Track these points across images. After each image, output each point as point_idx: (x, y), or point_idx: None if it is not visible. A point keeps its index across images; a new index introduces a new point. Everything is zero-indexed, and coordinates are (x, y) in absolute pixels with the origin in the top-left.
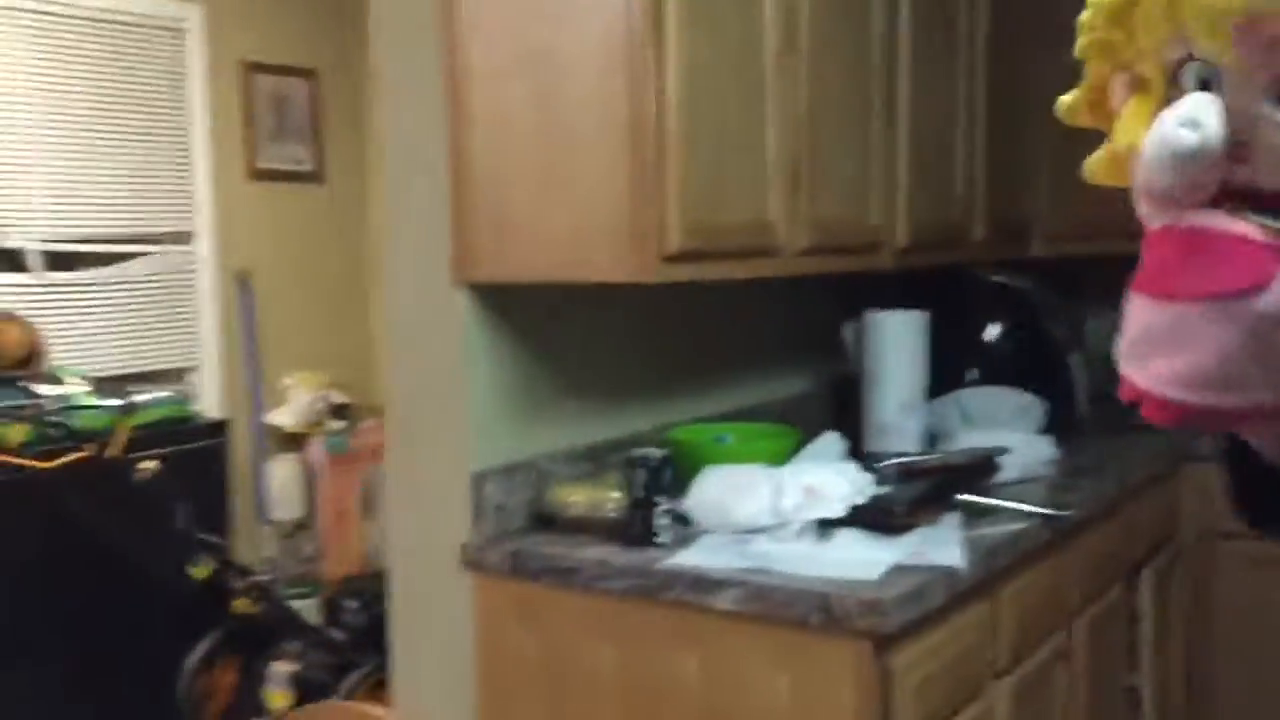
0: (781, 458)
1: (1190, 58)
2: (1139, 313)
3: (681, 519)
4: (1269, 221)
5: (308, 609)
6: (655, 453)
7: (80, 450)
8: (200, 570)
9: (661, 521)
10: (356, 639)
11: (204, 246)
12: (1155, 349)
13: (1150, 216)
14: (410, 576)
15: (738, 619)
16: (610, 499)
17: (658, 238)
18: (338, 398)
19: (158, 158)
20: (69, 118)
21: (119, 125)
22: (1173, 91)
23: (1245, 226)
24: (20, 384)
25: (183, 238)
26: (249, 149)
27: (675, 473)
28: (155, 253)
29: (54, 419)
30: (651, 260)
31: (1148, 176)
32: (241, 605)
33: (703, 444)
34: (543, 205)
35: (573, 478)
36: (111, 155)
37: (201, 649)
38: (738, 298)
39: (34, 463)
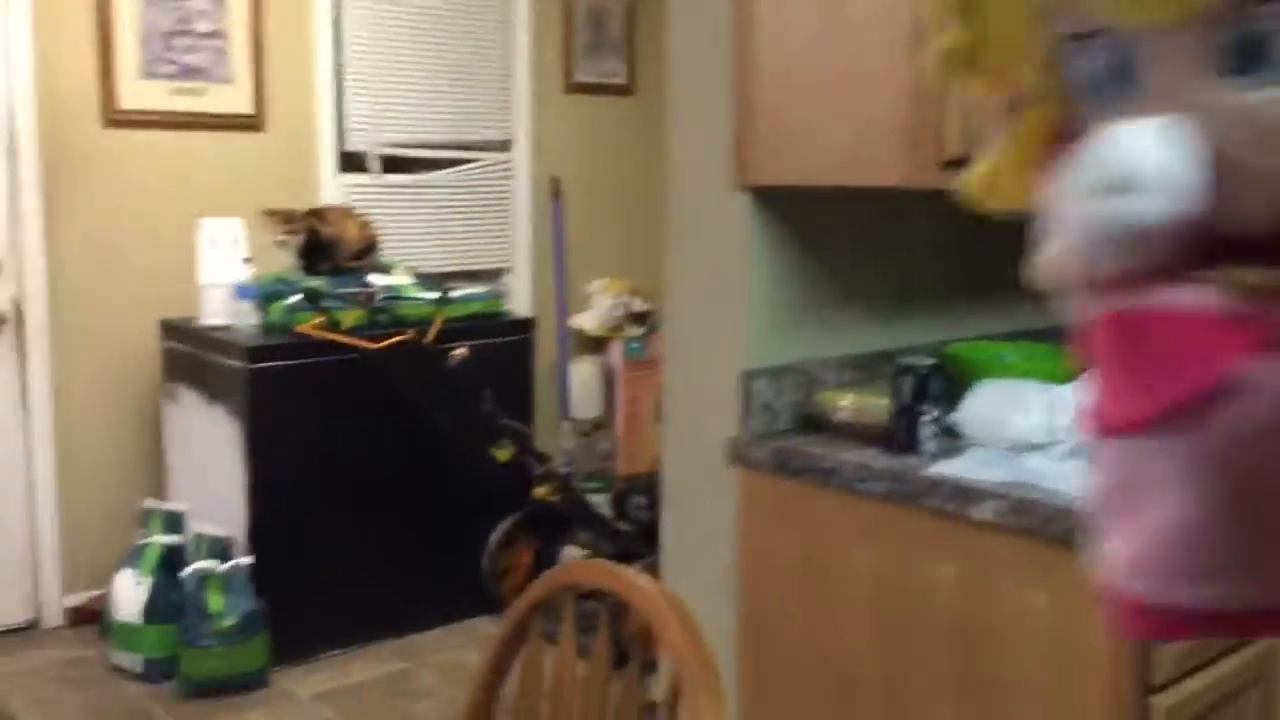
0: (1064, 379)
1: (1079, 36)
2: (1094, 455)
3: (950, 430)
4: (1242, 275)
5: (600, 502)
6: (924, 361)
7: (402, 334)
8: (502, 453)
9: (927, 430)
10: (640, 532)
11: (521, 155)
12: (1111, 515)
13: (1082, 299)
14: (682, 469)
15: (997, 531)
16: (877, 406)
17: (935, 142)
18: (638, 304)
19: (483, 71)
20: (405, 35)
21: (449, 41)
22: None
23: (1195, 295)
24: (356, 273)
25: (502, 145)
26: (566, 62)
27: (948, 385)
28: (477, 159)
29: (382, 306)
30: (928, 166)
31: (1076, 260)
32: (542, 492)
33: (981, 359)
34: (824, 109)
35: (842, 384)
36: (442, 69)
37: (503, 528)
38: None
39: (363, 343)
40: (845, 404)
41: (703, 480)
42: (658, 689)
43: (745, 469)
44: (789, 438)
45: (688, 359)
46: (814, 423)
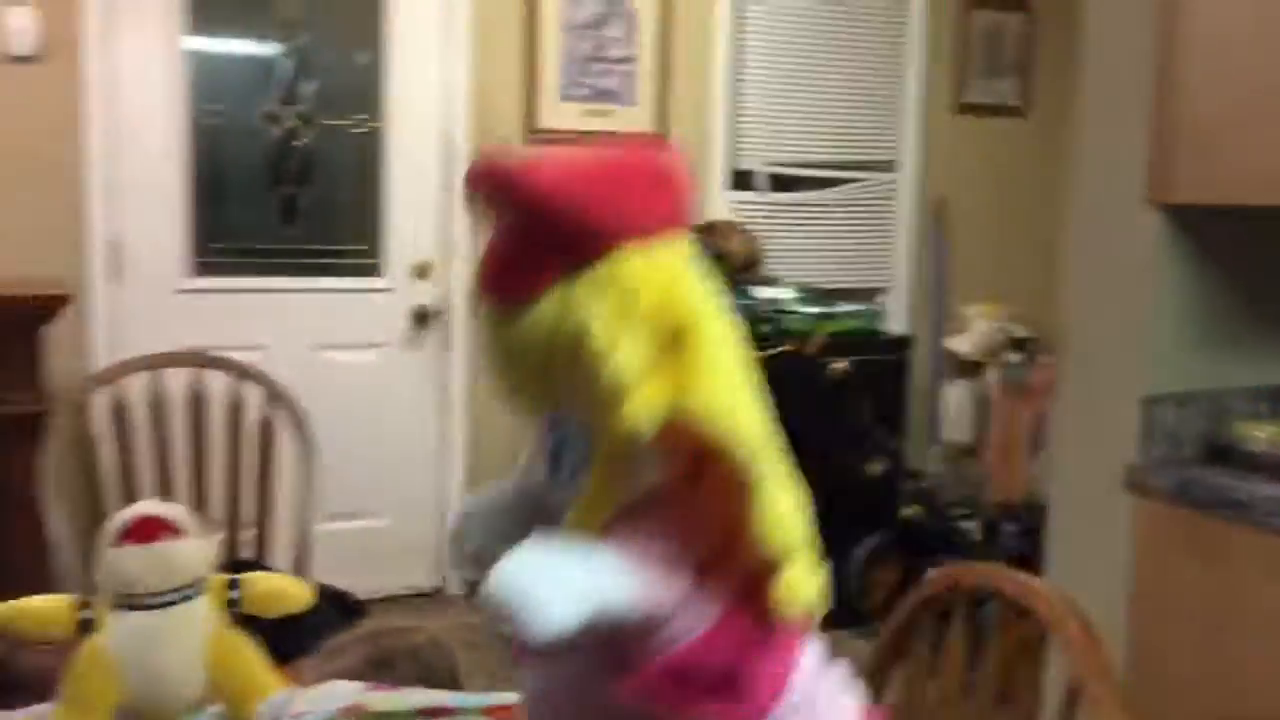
0: None
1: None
2: None
3: None
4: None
5: (967, 529)
6: None
7: (784, 346)
8: (875, 467)
9: None
10: (1011, 561)
11: (906, 175)
12: None
13: None
14: (1072, 495)
15: None
16: None
17: None
18: (1018, 331)
19: (873, 91)
20: (799, 56)
21: (841, 61)
22: None
23: None
24: (742, 286)
25: (887, 166)
26: (958, 83)
27: None
28: (861, 178)
29: (766, 318)
30: None
31: None
32: (909, 513)
33: None
34: (1257, 125)
35: (1255, 415)
36: (832, 89)
37: (870, 544)
38: None
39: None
40: (1263, 435)
41: (1095, 509)
42: (1052, 696)
43: (1144, 498)
44: (1194, 467)
45: (1085, 382)
46: (1221, 454)
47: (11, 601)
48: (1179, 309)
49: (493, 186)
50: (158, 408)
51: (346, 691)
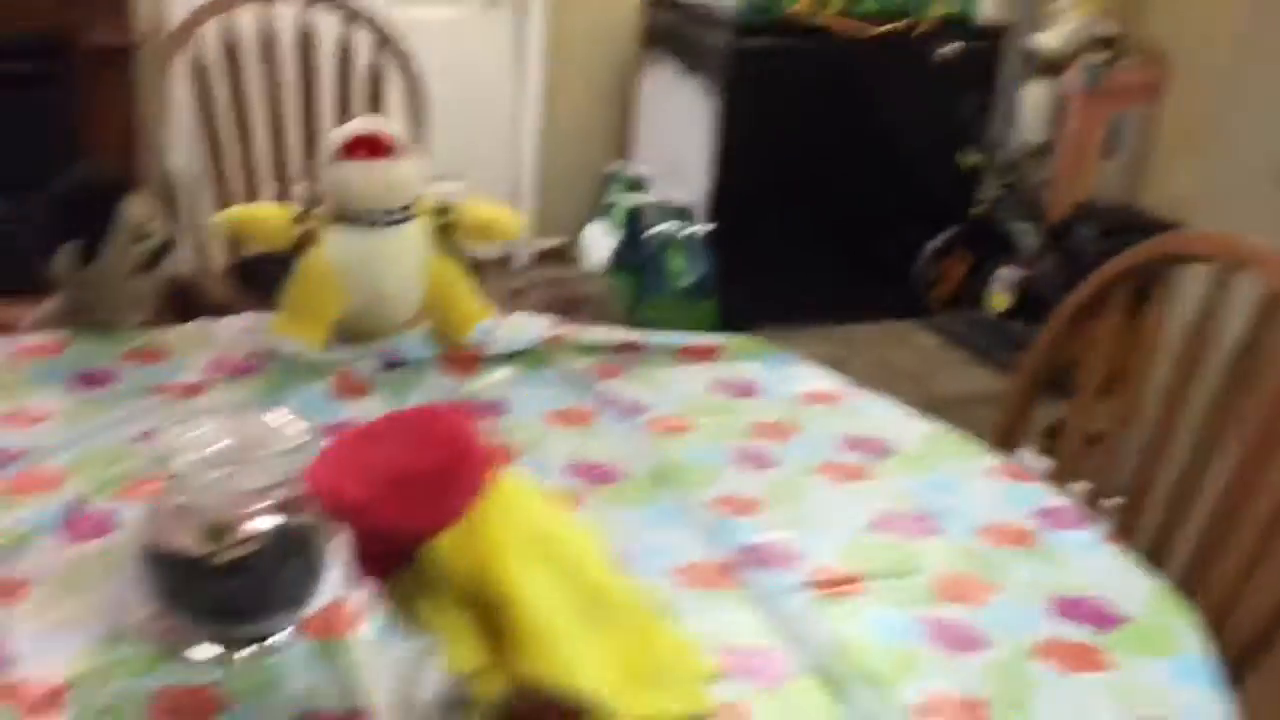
0: None
1: None
2: None
3: None
4: None
5: (1029, 230)
6: None
7: (894, 23)
8: (969, 160)
9: None
10: (1091, 263)
11: None
12: None
13: None
14: (1224, 190)
15: None
16: None
17: None
18: (1107, 29)
19: None
20: None
21: None
22: None
23: None
24: None
25: None
26: None
27: None
28: None
29: None
30: None
31: None
32: (979, 210)
33: None
34: None
35: None
36: None
37: (942, 238)
38: None
39: (853, 27)
40: None
41: (1246, 203)
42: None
43: None
44: None
45: (1252, 74)
46: None
47: (243, 206)
48: None
49: (318, 503)
50: (267, 44)
51: (542, 324)
